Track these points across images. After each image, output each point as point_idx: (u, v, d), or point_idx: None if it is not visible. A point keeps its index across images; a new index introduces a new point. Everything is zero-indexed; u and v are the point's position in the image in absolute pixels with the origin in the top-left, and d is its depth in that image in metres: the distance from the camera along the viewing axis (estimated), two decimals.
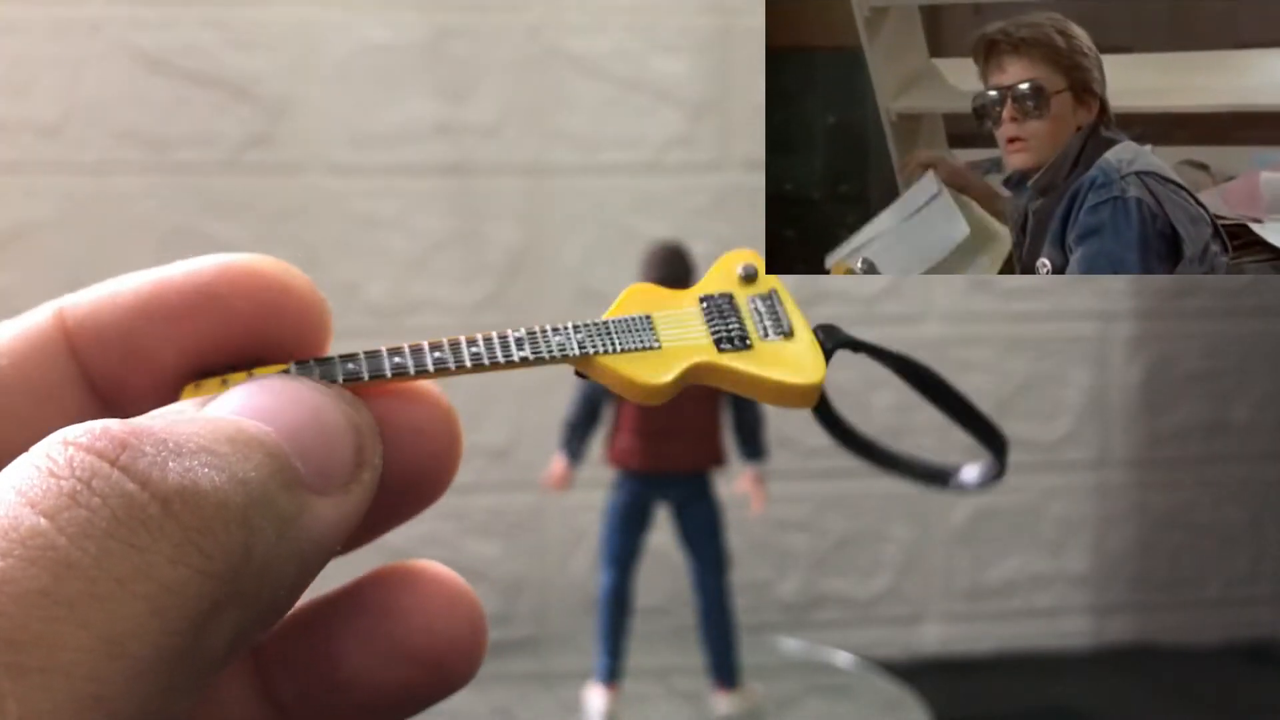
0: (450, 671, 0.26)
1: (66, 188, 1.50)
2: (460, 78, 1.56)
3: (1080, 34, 0.44)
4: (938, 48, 0.51)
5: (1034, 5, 0.45)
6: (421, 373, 0.27)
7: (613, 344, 0.28)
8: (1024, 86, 0.44)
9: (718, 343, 0.29)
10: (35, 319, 0.26)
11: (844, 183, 0.51)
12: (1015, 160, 0.46)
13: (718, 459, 1.32)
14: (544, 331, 0.28)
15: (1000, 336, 1.70)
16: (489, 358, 0.27)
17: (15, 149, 1.49)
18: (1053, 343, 1.72)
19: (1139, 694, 1.59)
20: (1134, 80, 0.46)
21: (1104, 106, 0.45)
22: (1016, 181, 0.46)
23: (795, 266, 0.42)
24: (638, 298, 0.30)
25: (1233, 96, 0.46)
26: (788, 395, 0.30)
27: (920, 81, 0.50)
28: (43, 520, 0.18)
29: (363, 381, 0.26)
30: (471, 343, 0.27)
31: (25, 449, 0.20)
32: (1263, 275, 1.75)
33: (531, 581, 1.63)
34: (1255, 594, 1.80)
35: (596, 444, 1.37)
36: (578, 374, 0.29)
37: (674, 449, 1.30)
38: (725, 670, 1.33)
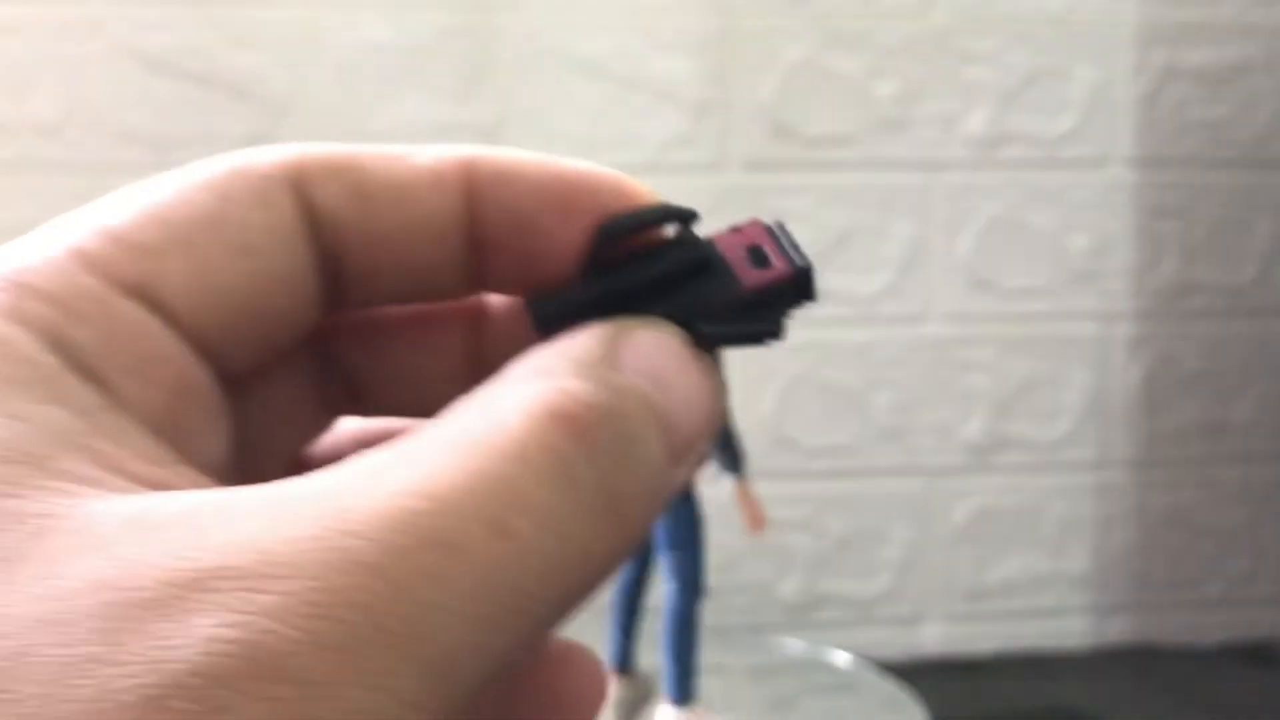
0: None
1: (66, 188, 1.50)
2: (460, 78, 1.57)
3: None
4: None
5: None
6: None
7: None
8: None
9: None
10: (432, 155, 0.28)
11: None
12: None
13: None
14: None
15: (1000, 336, 1.71)
16: None
17: (15, 149, 1.49)
18: (1053, 343, 1.72)
19: (1139, 694, 1.59)
20: None
21: None
22: None
23: None
24: None
25: None
26: None
27: None
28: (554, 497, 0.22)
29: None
30: None
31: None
32: (1263, 274, 1.75)
33: None
34: (1255, 594, 1.80)
35: None
36: None
37: None
38: (674, 685, 1.31)
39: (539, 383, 0.23)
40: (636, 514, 0.23)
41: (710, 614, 1.59)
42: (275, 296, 0.26)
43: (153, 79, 1.50)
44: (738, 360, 0.30)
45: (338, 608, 0.18)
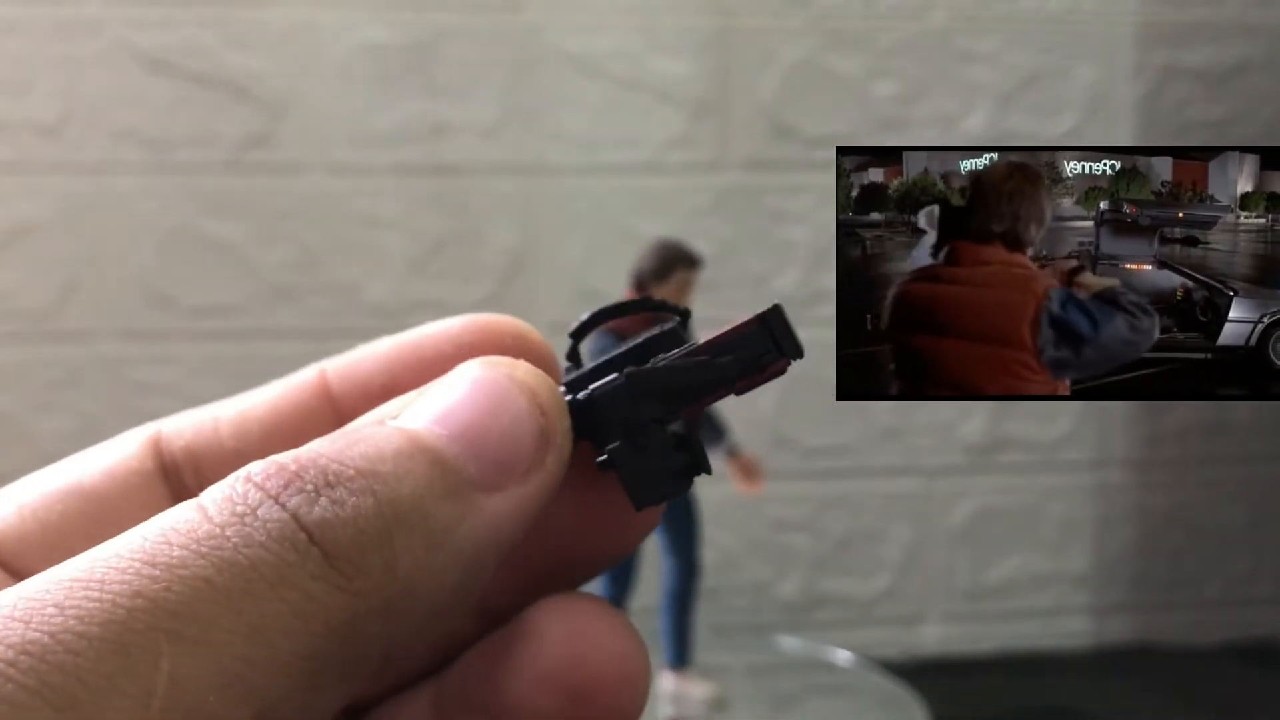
0: (604, 706, 0.26)
1: (66, 188, 1.50)
2: (460, 78, 1.56)
3: None
4: None
5: None
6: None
7: None
8: None
9: None
10: (300, 376, 0.30)
11: None
12: None
13: None
14: None
15: None
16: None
17: (15, 149, 1.49)
18: None
19: (1139, 694, 1.59)
20: None
21: None
22: None
23: None
24: None
25: None
26: None
27: None
28: (217, 528, 0.22)
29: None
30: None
31: None
32: None
33: None
34: (1255, 594, 1.80)
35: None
36: None
37: None
38: (672, 651, 1.38)
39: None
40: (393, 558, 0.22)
41: (710, 614, 1.59)
42: None
43: (152, 79, 1.50)
44: None
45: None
